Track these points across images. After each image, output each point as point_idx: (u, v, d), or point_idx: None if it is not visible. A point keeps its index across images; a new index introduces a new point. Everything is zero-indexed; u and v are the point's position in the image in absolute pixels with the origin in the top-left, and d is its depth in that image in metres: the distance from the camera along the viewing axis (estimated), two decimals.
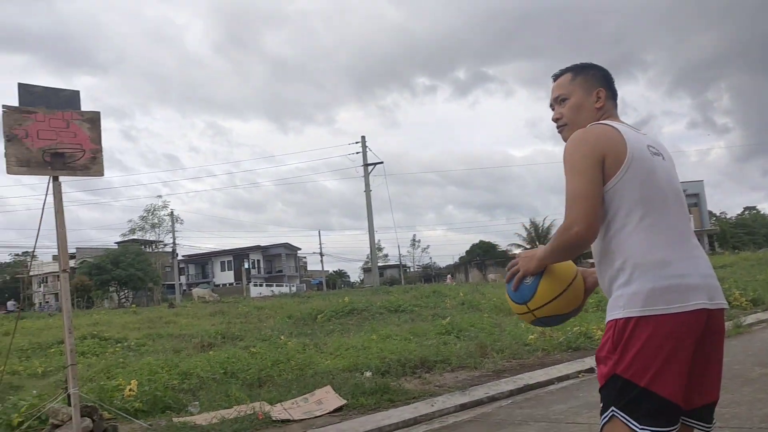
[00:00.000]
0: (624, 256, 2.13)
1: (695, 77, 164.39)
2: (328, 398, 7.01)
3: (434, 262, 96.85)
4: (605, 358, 2.12)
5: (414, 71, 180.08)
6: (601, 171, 2.15)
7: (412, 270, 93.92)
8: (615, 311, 2.12)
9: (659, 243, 2.12)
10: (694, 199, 55.11)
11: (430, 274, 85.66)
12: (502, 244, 75.07)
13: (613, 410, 2.07)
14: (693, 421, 2.17)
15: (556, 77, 2.51)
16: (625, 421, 2.04)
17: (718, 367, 2.20)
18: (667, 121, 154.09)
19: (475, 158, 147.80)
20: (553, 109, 2.50)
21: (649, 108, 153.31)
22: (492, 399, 7.02)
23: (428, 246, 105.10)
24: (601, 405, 2.14)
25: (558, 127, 2.47)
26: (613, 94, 2.44)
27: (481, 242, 76.95)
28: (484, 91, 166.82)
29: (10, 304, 58.86)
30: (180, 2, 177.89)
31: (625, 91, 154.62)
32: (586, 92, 2.42)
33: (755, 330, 10.58)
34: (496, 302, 17.51)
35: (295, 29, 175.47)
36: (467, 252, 76.48)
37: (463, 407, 6.73)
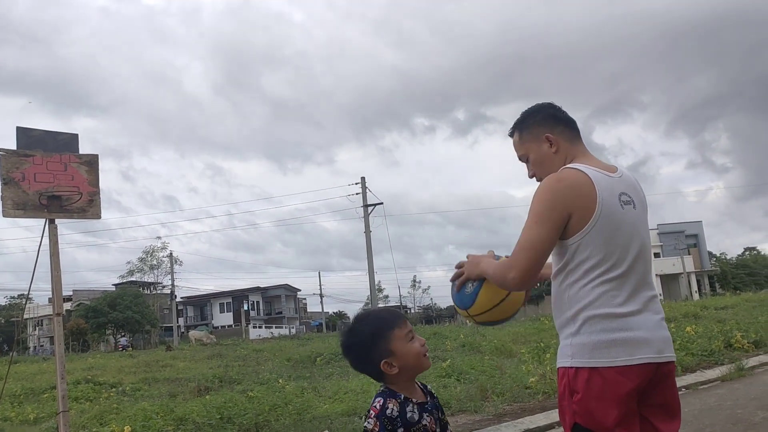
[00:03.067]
0: (576, 307, 2.16)
1: (693, 117, 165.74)
2: None
3: (435, 303, 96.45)
4: (565, 407, 2.17)
5: (413, 111, 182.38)
6: (563, 226, 2.16)
7: (412, 311, 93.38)
8: (564, 359, 2.18)
9: (612, 298, 2.14)
10: (694, 239, 55.20)
11: (431, 315, 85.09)
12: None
13: None
14: None
15: (511, 137, 2.51)
16: None
17: (669, 415, 2.22)
18: (666, 162, 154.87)
19: (474, 198, 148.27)
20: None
21: (647, 149, 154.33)
22: None
23: (429, 287, 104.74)
24: None
25: (538, 182, 2.46)
26: (567, 127, 2.38)
27: None
28: (483, 131, 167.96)
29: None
30: (179, 44, 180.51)
31: (622, 131, 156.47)
32: (537, 144, 2.40)
33: (757, 373, 10.42)
34: (497, 344, 17.31)
35: (294, 70, 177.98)
36: None
37: None
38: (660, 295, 44.05)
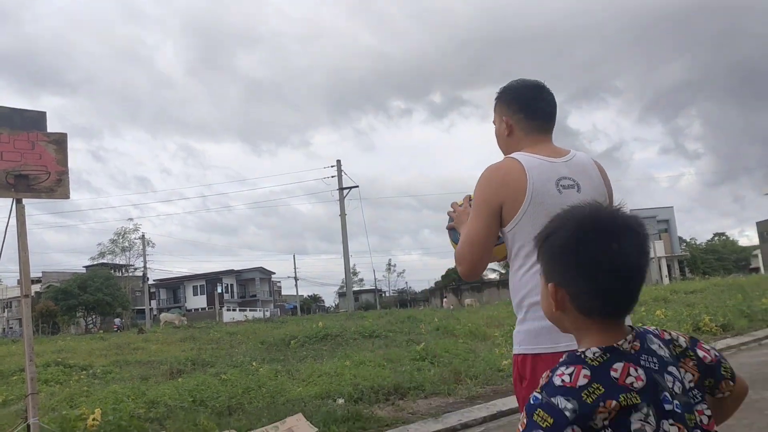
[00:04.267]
0: (520, 294, 2.21)
1: (666, 104, 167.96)
2: (299, 426, 6.85)
3: (410, 287, 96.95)
4: (518, 393, 2.23)
5: (389, 94, 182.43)
6: (497, 217, 2.22)
7: (387, 295, 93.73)
8: (514, 346, 2.23)
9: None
10: (665, 224, 55.94)
11: (406, 299, 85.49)
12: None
13: None
14: None
15: None
16: None
17: None
18: (639, 147, 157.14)
19: (451, 182, 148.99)
20: None
21: (621, 134, 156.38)
22: (465, 426, 6.93)
23: (404, 270, 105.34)
24: None
25: None
26: (528, 118, 2.37)
27: None
28: (459, 114, 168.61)
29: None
30: (151, 21, 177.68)
31: (596, 117, 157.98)
32: (498, 120, 2.45)
33: (725, 356, 10.65)
34: (471, 328, 17.46)
35: (269, 50, 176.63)
36: (443, 277, 76.54)
37: None
38: None
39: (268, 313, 64.25)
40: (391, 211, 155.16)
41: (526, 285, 2.18)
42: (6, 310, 75.80)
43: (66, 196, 6.03)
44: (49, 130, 6.10)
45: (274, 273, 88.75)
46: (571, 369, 1.27)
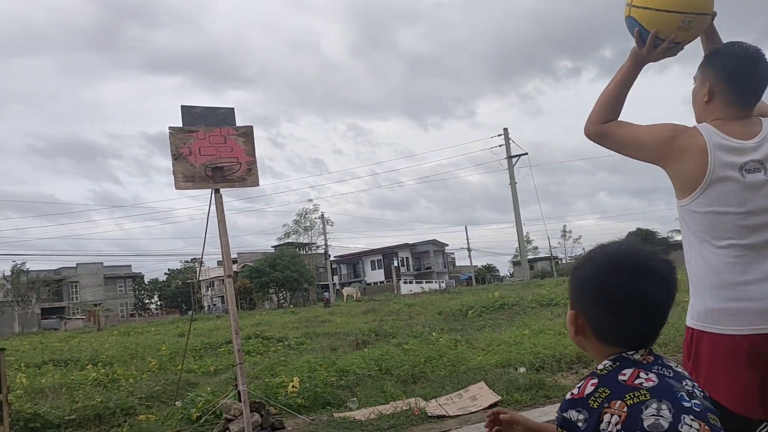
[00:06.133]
0: (692, 272, 2.17)
1: None
2: (482, 394, 7.00)
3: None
4: (685, 364, 2.16)
5: (555, 54, 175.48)
6: (649, 150, 2.18)
7: (564, 262, 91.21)
8: (687, 319, 2.19)
9: (726, 265, 2.07)
10: None
11: None
12: (662, 230, 70.95)
13: None
14: None
15: None
16: None
17: None
18: None
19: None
20: None
21: None
22: None
23: (580, 236, 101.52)
24: None
25: None
26: (738, 90, 2.16)
27: (639, 230, 72.82)
28: None
29: None
30: (315, 9, 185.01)
31: None
32: (701, 82, 2.26)
33: None
34: None
35: (429, 24, 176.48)
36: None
37: None
38: None
39: (443, 285, 65.27)
40: (563, 175, 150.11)
41: (698, 265, 2.14)
42: (209, 288, 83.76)
43: (256, 183, 6.58)
44: (237, 123, 6.68)
45: (447, 245, 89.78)
46: (581, 383, 1.32)
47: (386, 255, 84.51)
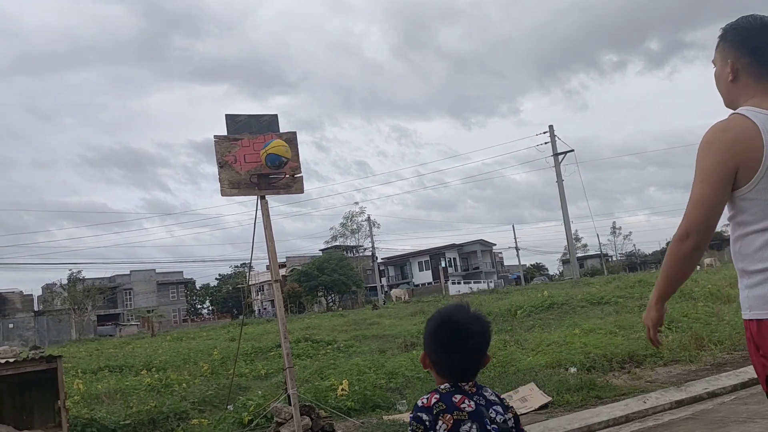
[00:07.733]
0: (747, 261, 2.07)
1: None
2: (532, 395, 6.92)
3: (638, 249, 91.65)
4: (755, 361, 2.09)
5: (599, 48, 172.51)
6: (731, 181, 2.00)
7: (614, 259, 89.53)
8: (744, 311, 2.10)
9: None
10: None
11: (635, 263, 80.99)
12: (717, 225, 68.72)
13: None
14: None
15: None
16: None
17: None
18: None
19: (675, 134, 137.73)
20: None
21: None
22: (712, 395, 6.49)
23: (630, 233, 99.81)
24: None
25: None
26: (758, 63, 2.07)
27: None
28: (681, 59, 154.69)
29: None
30: (356, 11, 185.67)
31: None
32: (722, 62, 2.17)
33: None
34: (711, 289, 16.12)
35: (470, 22, 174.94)
36: None
37: (680, 404, 6.31)
38: None
39: (491, 285, 64.76)
40: (610, 171, 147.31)
41: (755, 252, 2.04)
42: (259, 293, 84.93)
43: (301, 191, 6.66)
44: (280, 129, 6.77)
45: (494, 244, 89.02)
46: (428, 395, 1.98)
47: (433, 256, 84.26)
